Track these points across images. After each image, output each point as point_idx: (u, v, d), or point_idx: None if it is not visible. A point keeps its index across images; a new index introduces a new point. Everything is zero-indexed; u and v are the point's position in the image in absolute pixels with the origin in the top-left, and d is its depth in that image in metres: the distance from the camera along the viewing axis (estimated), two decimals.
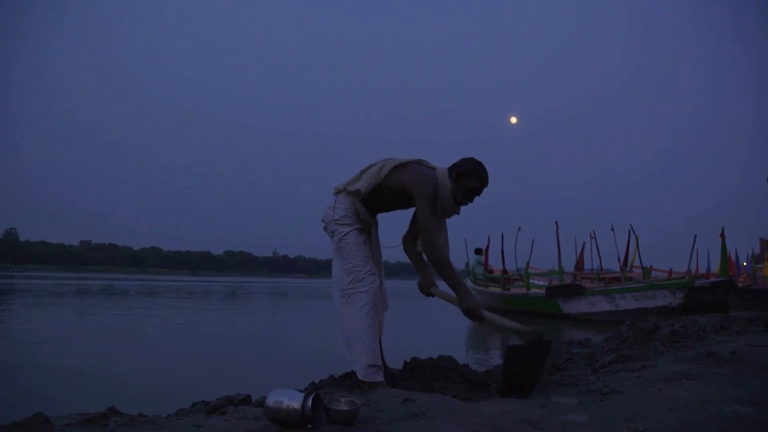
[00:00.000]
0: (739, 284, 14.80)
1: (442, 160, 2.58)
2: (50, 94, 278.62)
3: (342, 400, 1.65)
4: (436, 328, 9.09)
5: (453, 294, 2.42)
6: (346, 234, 2.44)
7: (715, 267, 14.80)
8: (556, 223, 12.98)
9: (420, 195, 2.34)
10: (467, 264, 15.22)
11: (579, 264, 13.96)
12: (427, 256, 2.42)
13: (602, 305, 10.48)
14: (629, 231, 12.60)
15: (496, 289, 13.41)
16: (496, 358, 5.24)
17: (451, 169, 2.47)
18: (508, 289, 13.06)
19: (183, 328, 7.85)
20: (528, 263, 12.66)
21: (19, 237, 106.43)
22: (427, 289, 2.71)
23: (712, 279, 11.32)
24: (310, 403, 1.49)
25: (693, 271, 13.46)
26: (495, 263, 14.57)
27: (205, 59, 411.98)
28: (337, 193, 2.55)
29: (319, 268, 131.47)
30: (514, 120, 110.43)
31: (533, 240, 13.67)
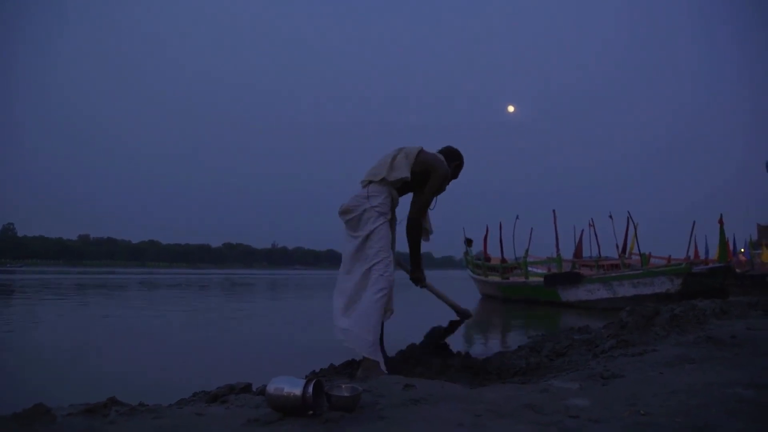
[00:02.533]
0: (737, 270, 14.85)
1: (437, 144, 2.96)
2: (49, 87, 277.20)
3: (343, 386, 1.66)
4: (435, 317, 9.10)
5: (444, 293, 2.94)
6: (382, 223, 2.62)
7: (714, 253, 14.84)
8: (554, 211, 12.99)
9: (439, 176, 2.69)
10: (465, 254, 15.23)
11: (578, 252, 13.99)
12: (411, 220, 2.73)
13: (601, 293, 10.50)
14: (628, 218, 12.61)
15: (496, 278, 13.43)
16: (495, 346, 5.26)
17: (448, 158, 2.83)
18: (507, 278, 13.08)
19: (184, 320, 7.85)
20: (527, 252, 12.67)
21: (17, 232, 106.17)
22: (421, 282, 2.92)
23: (710, 265, 11.33)
24: (311, 389, 1.49)
25: (692, 257, 13.47)
26: (494, 252, 14.60)
27: (202, 52, 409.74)
28: (368, 183, 2.67)
29: (319, 259, 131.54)
30: (511, 109, 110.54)
31: (532, 228, 13.69)
